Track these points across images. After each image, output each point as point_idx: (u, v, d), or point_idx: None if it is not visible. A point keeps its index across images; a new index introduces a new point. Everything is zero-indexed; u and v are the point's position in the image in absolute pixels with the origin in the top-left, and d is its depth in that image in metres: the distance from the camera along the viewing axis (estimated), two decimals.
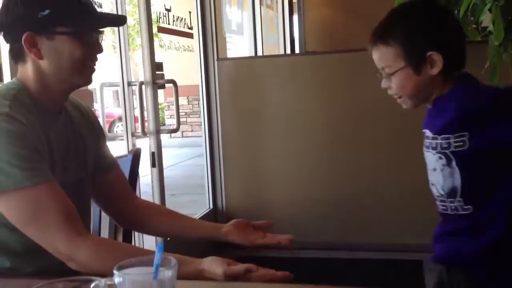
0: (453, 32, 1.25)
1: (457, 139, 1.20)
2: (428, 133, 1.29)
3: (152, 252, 1.21)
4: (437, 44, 1.20)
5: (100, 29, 1.28)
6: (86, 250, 1.15)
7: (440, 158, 1.24)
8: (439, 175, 1.26)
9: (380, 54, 1.26)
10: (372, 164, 3.41)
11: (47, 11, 1.19)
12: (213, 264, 1.19)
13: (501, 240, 1.24)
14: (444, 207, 1.29)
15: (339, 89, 3.46)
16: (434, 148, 1.26)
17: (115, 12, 2.86)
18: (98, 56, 1.29)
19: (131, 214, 1.47)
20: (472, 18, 2.73)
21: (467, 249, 1.28)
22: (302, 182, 3.50)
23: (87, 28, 1.25)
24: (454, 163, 1.22)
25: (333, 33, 6.10)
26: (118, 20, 1.45)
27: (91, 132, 1.40)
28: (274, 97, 3.54)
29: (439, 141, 1.24)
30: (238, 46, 5.87)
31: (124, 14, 2.88)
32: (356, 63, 3.43)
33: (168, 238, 2.97)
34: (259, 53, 5.26)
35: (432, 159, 1.27)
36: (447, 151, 1.22)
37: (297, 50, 6.26)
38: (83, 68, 1.25)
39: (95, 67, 1.29)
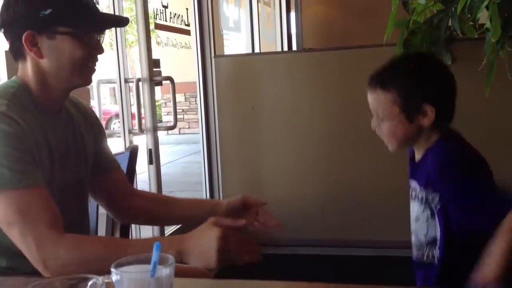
0: (448, 88, 1.32)
1: (436, 196, 1.27)
2: (414, 184, 1.36)
3: (138, 241, 1.19)
4: (432, 98, 1.27)
5: (102, 30, 1.28)
6: (66, 250, 1.13)
7: (424, 210, 1.31)
8: (423, 225, 1.32)
9: (377, 98, 1.32)
10: (369, 161, 3.41)
11: (48, 11, 1.18)
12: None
13: None
14: (419, 256, 1.36)
15: (337, 86, 3.46)
16: (420, 200, 1.32)
17: (112, 9, 2.85)
18: (98, 55, 1.29)
19: (131, 210, 1.48)
20: (469, 15, 2.73)
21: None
22: (299, 179, 3.50)
23: (88, 28, 1.24)
24: (436, 216, 1.28)
25: (331, 30, 6.10)
26: (120, 21, 1.44)
27: (91, 131, 1.40)
28: (271, 94, 3.54)
29: (423, 194, 1.31)
30: (235, 43, 5.87)
31: (121, 10, 2.88)
32: (353, 60, 3.43)
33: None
34: (256, 50, 5.25)
35: (417, 209, 1.34)
36: (431, 205, 1.29)
37: (294, 47, 6.26)
38: (83, 69, 1.25)
39: (95, 67, 1.28)
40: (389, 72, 1.33)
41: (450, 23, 2.88)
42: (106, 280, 0.81)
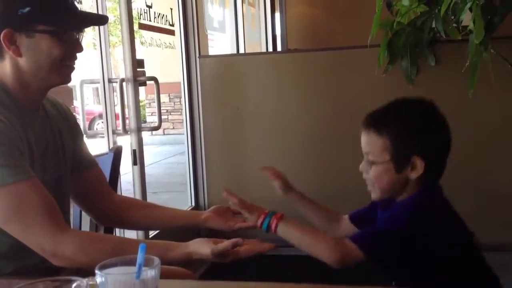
0: (442, 145, 1.26)
1: None
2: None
3: (136, 241, 1.20)
4: (424, 152, 1.22)
5: (81, 28, 1.26)
6: (70, 244, 1.15)
7: None
8: None
9: (370, 140, 1.27)
10: (355, 162, 3.41)
11: (27, 9, 1.17)
12: (200, 246, 1.21)
13: None
14: None
15: (322, 87, 3.47)
16: None
17: (95, 8, 2.82)
18: (78, 54, 1.27)
19: (111, 212, 1.46)
20: (452, 17, 2.76)
21: None
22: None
23: (67, 27, 1.23)
24: None
25: (315, 31, 6.12)
26: (99, 20, 1.43)
27: (69, 129, 1.39)
28: (256, 94, 3.54)
29: None
30: (219, 43, 5.85)
31: (104, 10, 2.85)
32: (338, 61, 3.45)
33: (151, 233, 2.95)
34: (241, 50, 5.24)
35: None
36: None
37: (279, 48, 6.26)
38: (62, 67, 1.24)
39: (74, 66, 1.27)
40: (385, 116, 1.28)
41: (433, 25, 2.91)
42: (90, 282, 0.79)
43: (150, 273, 0.79)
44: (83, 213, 1.55)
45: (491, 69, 2.55)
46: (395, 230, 1.20)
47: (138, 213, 1.47)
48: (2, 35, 1.17)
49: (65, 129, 1.37)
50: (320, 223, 1.57)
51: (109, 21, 2.91)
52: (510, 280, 1.34)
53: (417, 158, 1.21)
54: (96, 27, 2.84)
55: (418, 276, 1.26)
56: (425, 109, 1.28)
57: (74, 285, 0.78)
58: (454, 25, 2.84)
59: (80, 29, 1.26)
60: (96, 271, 0.79)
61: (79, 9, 1.31)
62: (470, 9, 2.48)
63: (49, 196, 1.16)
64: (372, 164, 1.26)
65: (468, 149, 3.09)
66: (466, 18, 2.63)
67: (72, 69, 1.27)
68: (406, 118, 1.26)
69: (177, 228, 1.48)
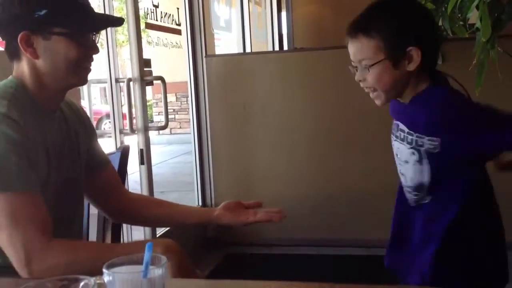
0: (431, 30, 1.29)
1: (430, 142, 1.23)
2: (402, 126, 1.31)
3: (116, 245, 1.19)
4: (417, 41, 1.23)
5: (97, 30, 1.27)
6: (49, 260, 1.12)
7: (413, 153, 1.27)
8: (410, 168, 1.29)
9: (360, 45, 1.26)
10: (361, 160, 3.42)
11: (44, 11, 1.18)
12: None
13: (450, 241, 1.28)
14: (409, 198, 1.34)
15: (329, 86, 3.46)
16: (409, 143, 1.28)
17: (102, 8, 2.84)
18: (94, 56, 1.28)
19: (125, 209, 1.48)
20: (459, 15, 2.74)
21: (418, 263, 1.33)
22: (291, 179, 3.50)
23: (84, 29, 1.24)
24: (425, 161, 1.25)
25: (321, 30, 6.10)
26: (115, 21, 1.42)
27: (84, 130, 1.40)
28: (263, 93, 3.54)
29: (414, 137, 1.26)
30: (226, 42, 5.85)
31: (111, 10, 2.86)
32: (345, 60, 3.40)
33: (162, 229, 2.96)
34: (248, 49, 5.24)
35: (405, 152, 1.30)
36: (421, 149, 1.25)
37: (285, 47, 6.26)
38: (79, 69, 1.25)
39: (91, 67, 1.28)
40: (370, 18, 1.27)
41: (440, 23, 2.89)
42: (98, 281, 0.80)
43: (157, 271, 0.79)
44: (90, 212, 1.56)
45: (498, 67, 2.53)
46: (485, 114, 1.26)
47: (153, 211, 1.48)
48: (19, 37, 1.19)
49: (80, 130, 1.38)
50: None
51: None
52: None
53: (412, 49, 1.22)
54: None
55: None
56: (403, 2, 1.30)
57: (81, 284, 0.78)
58: (461, 23, 2.82)
59: (97, 31, 1.27)
60: (104, 270, 0.80)
61: (94, 11, 1.32)
62: (477, 7, 2.47)
63: (45, 212, 1.15)
64: (369, 68, 1.25)
65: None
66: (473, 16, 2.62)
67: (89, 70, 1.28)
68: (392, 13, 1.26)
69: (190, 225, 1.49)
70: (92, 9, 1.28)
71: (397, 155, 1.36)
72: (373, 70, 1.25)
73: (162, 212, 1.48)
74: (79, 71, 1.25)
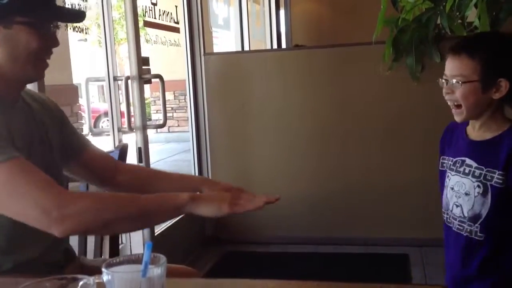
0: None
1: (499, 176, 1.38)
2: (469, 161, 1.45)
3: (142, 197, 1.19)
4: (508, 75, 1.37)
5: (58, 22, 1.26)
6: (77, 201, 1.11)
7: (479, 186, 1.41)
8: (471, 200, 1.43)
9: (460, 63, 1.39)
10: (359, 159, 3.42)
11: (5, 0, 1.17)
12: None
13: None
14: (460, 227, 1.47)
15: (326, 84, 3.46)
16: (475, 177, 1.42)
17: (100, 6, 2.83)
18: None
19: (121, 185, 1.46)
20: (457, 13, 2.74)
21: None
22: (290, 177, 3.51)
23: (45, 20, 1.23)
24: (489, 194, 1.40)
25: (320, 28, 6.10)
26: (77, 16, 1.39)
27: (52, 120, 1.38)
28: (261, 92, 3.54)
29: (483, 172, 1.41)
30: (224, 41, 5.85)
31: (109, 7, 2.86)
32: (344, 58, 3.44)
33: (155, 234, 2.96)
34: (246, 47, 5.24)
35: (468, 185, 1.44)
36: (488, 182, 1.40)
37: (283, 45, 6.26)
38: (37, 61, 1.24)
39: (48, 61, 1.26)
40: (476, 42, 1.43)
41: (439, 21, 2.90)
42: (97, 280, 0.80)
43: (156, 271, 0.79)
44: None
45: None
46: None
47: (158, 185, 1.45)
48: None
49: (48, 121, 1.36)
50: None
51: (114, 18, 2.92)
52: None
53: (503, 80, 1.36)
54: (102, 24, 2.85)
55: None
56: (508, 36, 1.46)
57: (80, 283, 0.78)
58: (459, 21, 2.82)
59: (57, 23, 1.26)
60: (103, 269, 0.79)
61: (57, 3, 1.30)
62: (475, 6, 2.47)
63: (41, 171, 1.14)
64: (462, 84, 1.38)
65: None
66: (471, 15, 2.62)
67: (46, 65, 1.27)
68: (496, 44, 1.42)
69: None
70: (54, 1, 1.27)
71: (452, 188, 1.48)
72: (464, 88, 1.39)
73: (168, 187, 1.44)
74: (37, 64, 1.24)
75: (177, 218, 3.26)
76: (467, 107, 1.40)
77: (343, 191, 3.45)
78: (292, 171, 3.49)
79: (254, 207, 1.14)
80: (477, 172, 1.42)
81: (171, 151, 8.82)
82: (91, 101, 3.07)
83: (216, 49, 4.65)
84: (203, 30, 3.63)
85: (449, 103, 1.44)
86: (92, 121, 3.27)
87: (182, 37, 3.74)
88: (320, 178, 3.49)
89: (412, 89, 3.16)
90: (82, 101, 3.65)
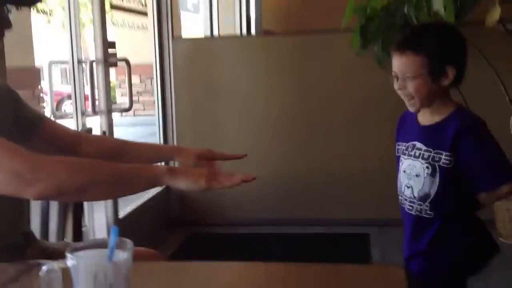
0: (464, 53, 1.51)
1: (446, 157, 1.45)
2: (419, 145, 1.52)
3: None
4: (454, 61, 1.46)
5: (10, 4, 1.22)
6: (52, 163, 1.07)
7: (427, 167, 1.48)
8: (421, 181, 1.50)
9: (407, 60, 1.46)
10: (324, 144, 3.47)
11: None
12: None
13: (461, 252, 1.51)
14: (410, 207, 1.54)
15: (295, 70, 3.47)
16: (424, 159, 1.49)
17: None
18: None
19: (89, 154, 1.40)
20: (424, 3, 2.78)
21: (435, 270, 1.53)
22: (256, 161, 3.48)
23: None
24: (437, 174, 1.46)
25: (290, 14, 6.09)
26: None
27: (2, 100, 1.32)
28: (230, 78, 3.52)
29: (432, 154, 1.48)
30: (193, 24, 5.79)
31: None
32: (312, 45, 3.45)
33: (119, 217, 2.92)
34: (215, 32, 5.19)
35: (418, 167, 1.51)
36: (436, 164, 1.46)
37: (253, 30, 6.22)
38: None
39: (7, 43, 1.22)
40: (418, 37, 1.49)
41: (406, 10, 2.93)
42: (61, 266, 0.78)
43: (122, 255, 0.78)
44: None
45: None
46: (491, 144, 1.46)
47: (127, 155, 1.43)
48: None
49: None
50: None
51: (79, 1, 2.84)
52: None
53: (449, 67, 1.44)
54: (66, 6, 2.77)
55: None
56: (447, 26, 1.59)
57: (44, 268, 0.77)
58: (426, 10, 2.87)
59: (8, 4, 1.21)
60: (67, 254, 0.78)
61: None
62: None
63: (9, 141, 1.09)
64: (411, 80, 1.45)
65: None
66: (437, 4, 2.66)
67: None
68: (436, 36, 1.50)
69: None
70: None
71: (405, 171, 1.55)
72: (415, 82, 1.45)
73: (127, 157, 1.42)
74: None
75: (142, 200, 3.24)
76: (420, 99, 1.46)
77: (307, 174, 3.50)
78: (259, 154, 3.50)
79: (231, 184, 1.13)
80: (426, 154, 1.48)
81: (136, 135, 8.70)
82: (54, 84, 2.99)
83: (185, 32, 4.60)
84: (171, 14, 3.58)
85: (402, 97, 1.50)
86: (55, 104, 3.18)
87: (150, 21, 3.67)
88: (285, 161, 3.52)
89: (380, 76, 3.19)
90: (44, 83, 3.55)
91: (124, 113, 9.13)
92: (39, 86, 3.63)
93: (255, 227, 3.45)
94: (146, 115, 9.56)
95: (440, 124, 1.49)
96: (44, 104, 3.83)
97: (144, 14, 4.56)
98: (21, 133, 1.32)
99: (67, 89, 8.13)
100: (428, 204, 1.48)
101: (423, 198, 1.49)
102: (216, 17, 5.24)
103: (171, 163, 1.66)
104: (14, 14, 1.24)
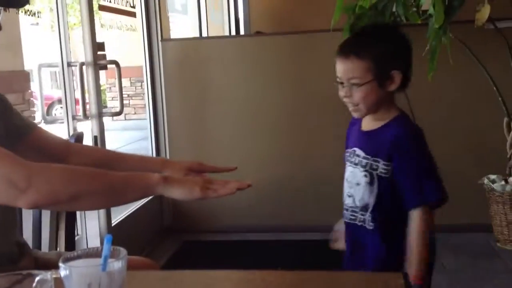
0: (410, 57, 1.44)
1: (383, 166, 1.39)
2: (359, 151, 1.45)
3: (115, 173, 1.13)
4: (400, 65, 1.39)
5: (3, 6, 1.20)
6: (47, 171, 1.06)
7: (365, 176, 1.42)
8: (361, 190, 1.43)
9: (351, 65, 1.39)
10: (318, 146, 3.46)
11: None
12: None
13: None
14: (353, 217, 1.47)
15: (285, 70, 3.46)
16: (363, 166, 1.42)
17: None
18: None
19: (78, 165, 1.39)
20: (413, 1, 2.79)
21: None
22: (250, 166, 3.49)
23: None
24: (376, 183, 1.40)
25: (278, 14, 6.09)
26: (19, 0, 1.30)
27: None
28: (220, 78, 3.51)
29: (370, 161, 1.41)
30: (182, 25, 5.76)
31: None
32: (301, 45, 3.45)
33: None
34: (204, 33, 5.18)
35: (358, 175, 1.44)
36: (374, 172, 1.40)
37: (242, 31, 6.21)
38: None
39: None
40: (362, 42, 1.42)
41: (394, 9, 2.94)
42: (54, 276, 0.77)
43: (116, 264, 0.77)
44: None
45: (450, 53, 2.60)
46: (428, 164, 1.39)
47: (116, 167, 1.37)
48: None
49: None
50: None
51: (67, 2, 2.82)
52: None
53: (395, 72, 1.38)
54: (55, 8, 2.75)
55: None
56: (391, 28, 1.50)
57: (37, 278, 0.75)
58: (414, 9, 2.87)
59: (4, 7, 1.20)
60: (60, 264, 0.77)
61: None
62: None
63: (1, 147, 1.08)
64: (358, 87, 1.38)
65: (427, 130, 3.15)
66: (426, 3, 2.67)
67: None
68: (381, 39, 1.42)
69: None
70: None
71: (347, 179, 1.48)
72: (361, 89, 1.38)
73: (120, 170, 1.40)
74: None
75: (134, 208, 3.22)
76: (367, 106, 1.40)
77: (304, 179, 3.48)
78: (252, 159, 3.49)
79: (227, 192, 1.12)
80: (364, 161, 1.42)
81: (128, 139, 8.67)
82: (44, 87, 2.96)
83: (174, 34, 4.58)
84: (160, 15, 3.56)
85: (347, 104, 1.44)
86: (45, 108, 3.14)
87: (138, 22, 3.65)
88: (281, 164, 3.51)
89: None
90: (33, 87, 3.52)
91: (115, 117, 9.09)
92: (29, 90, 3.59)
93: (249, 234, 3.44)
94: (138, 119, 9.52)
95: (379, 130, 1.42)
96: (34, 109, 3.80)
97: (133, 15, 4.53)
98: (10, 141, 1.30)
99: (57, 93, 8.07)
100: (370, 215, 1.41)
101: (364, 208, 1.42)
102: (205, 18, 5.23)
103: None
104: (1, 16, 1.22)
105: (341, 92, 1.42)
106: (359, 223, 1.44)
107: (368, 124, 1.46)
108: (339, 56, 1.41)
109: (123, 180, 1.13)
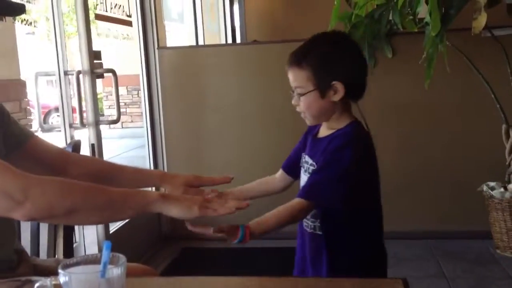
0: (358, 68, 1.40)
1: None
2: (307, 158, 1.46)
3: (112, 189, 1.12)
4: (342, 76, 1.34)
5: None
6: (44, 185, 1.05)
7: None
8: None
9: (294, 75, 1.39)
10: None
11: None
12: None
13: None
14: (306, 224, 1.47)
15: (281, 79, 3.45)
16: (309, 173, 1.42)
17: None
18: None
19: (76, 176, 1.37)
20: (409, 10, 2.81)
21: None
22: (247, 173, 3.48)
23: None
24: None
25: (274, 23, 6.12)
26: (18, 9, 1.30)
27: None
28: (217, 86, 3.51)
29: (315, 168, 1.40)
30: (178, 34, 5.78)
31: (59, 0, 2.76)
32: None
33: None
34: (200, 41, 5.19)
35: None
36: None
37: (238, 39, 6.24)
38: None
39: None
40: (304, 51, 1.39)
41: (391, 17, 2.96)
42: (54, 282, 0.77)
43: (116, 271, 0.77)
44: None
45: (447, 60, 2.61)
46: (340, 172, 1.33)
47: (114, 179, 1.40)
48: None
49: None
50: (264, 194, 1.79)
51: (63, 12, 2.82)
52: None
53: (337, 83, 1.34)
54: (51, 18, 2.75)
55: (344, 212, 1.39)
56: (336, 38, 1.43)
57: (37, 285, 0.75)
58: (411, 17, 2.89)
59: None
60: (59, 271, 0.76)
61: None
62: (427, 2, 2.53)
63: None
64: (301, 96, 1.38)
65: (425, 138, 3.17)
66: (423, 11, 2.69)
67: None
68: (322, 48, 1.39)
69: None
70: None
71: (300, 185, 1.48)
72: (304, 98, 1.37)
73: (119, 182, 1.39)
74: None
75: None
76: (311, 115, 1.40)
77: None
78: (250, 165, 3.49)
79: (226, 212, 1.13)
80: (311, 168, 1.42)
81: (125, 147, 8.66)
82: (40, 96, 2.96)
83: (170, 42, 4.59)
84: (156, 24, 3.57)
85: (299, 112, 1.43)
86: (42, 116, 3.14)
87: (135, 31, 3.66)
88: (277, 170, 3.50)
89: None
90: (30, 96, 3.51)
91: (112, 126, 9.09)
92: (26, 99, 3.59)
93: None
94: (135, 127, 9.52)
95: (325, 138, 1.41)
96: (31, 117, 3.80)
97: (129, 24, 4.54)
98: (8, 149, 1.30)
99: (54, 101, 8.06)
100: (319, 221, 1.41)
101: (314, 215, 1.41)
102: (201, 26, 5.24)
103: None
104: None
105: (292, 100, 1.42)
106: (310, 230, 1.45)
107: (322, 131, 1.46)
108: (287, 65, 1.43)
109: (121, 196, 1.12)
